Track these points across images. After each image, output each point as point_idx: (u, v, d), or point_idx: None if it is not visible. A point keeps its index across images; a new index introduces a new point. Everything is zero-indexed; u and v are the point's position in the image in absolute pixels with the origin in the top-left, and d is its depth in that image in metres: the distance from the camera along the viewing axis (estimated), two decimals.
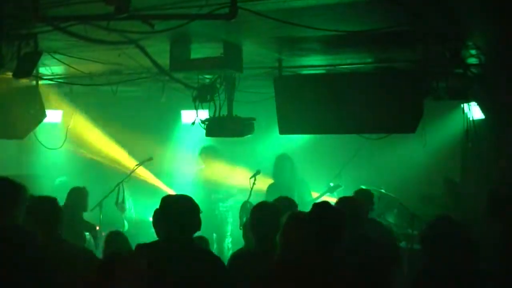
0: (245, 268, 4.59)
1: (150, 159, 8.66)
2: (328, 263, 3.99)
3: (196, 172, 9.38)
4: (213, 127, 6.54)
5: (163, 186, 9.94)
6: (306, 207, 6.95)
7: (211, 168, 9.24)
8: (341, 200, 5.65)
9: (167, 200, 4.37)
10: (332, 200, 8.23)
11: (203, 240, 5.61)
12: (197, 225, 4.33)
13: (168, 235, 4.30)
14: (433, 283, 4.05)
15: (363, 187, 7.91)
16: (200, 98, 6.42)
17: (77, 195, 7.14)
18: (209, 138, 7.13)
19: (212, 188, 9.09)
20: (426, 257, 4.20)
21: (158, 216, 4.37)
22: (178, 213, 4.28)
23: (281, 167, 8.47)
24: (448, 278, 3.96)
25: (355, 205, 5.49)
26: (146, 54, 5.76)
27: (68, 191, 7.28)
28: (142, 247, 4.41)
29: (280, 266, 4.09)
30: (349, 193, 7.72)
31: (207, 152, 9.26)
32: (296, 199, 8.18)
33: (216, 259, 4.41)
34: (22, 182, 4.64)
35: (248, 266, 4.55)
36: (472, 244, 4.08)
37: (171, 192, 9.22)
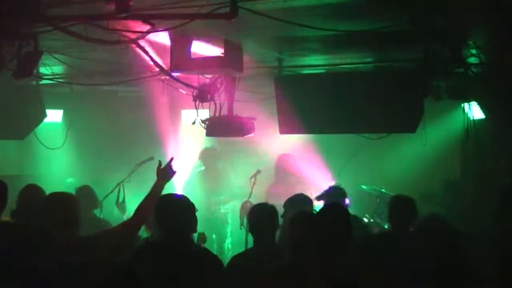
0: (244, 267, 4.59)
1: (151, 158, 8.63)
2: (329, 265, 3.97)
3: (196, 173, 9.37)
4: (213, 127, 6.54)
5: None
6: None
7: (211, 170, 9.24)
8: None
9: (161, 200, 4.40)
10: None
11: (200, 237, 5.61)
12: (192, 224, 4.34)
13: (164, 234, 4.33)
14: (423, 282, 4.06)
15: (364, 187, 7.92)
16: (200, 98, 6.41)
17: (83, 196, 7.03)
18: (209, 138, 7.12)
19: (212, 190, 9.08)
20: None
21: (156, 216, 4.40)
22: (171, 212, 4.31)
23: (282, 166, 8.47)
24: (435, 276, 3.97)
25: None
26: (147, 53, 5.76)
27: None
28: (139, 248, 4.46)
29: (282, 266, 4.08)
30: (348, 191, 7.71)
31: (208, 154, 9.25)
32: None
33: (214, 258, 4.42)
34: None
35: (248, 266, 4.55)
36: (459, 243, 4.08)
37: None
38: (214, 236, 8.93)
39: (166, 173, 4.74)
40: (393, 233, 5.29)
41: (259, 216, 4.79)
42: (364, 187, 7.94)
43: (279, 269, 4.07)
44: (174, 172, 4.77)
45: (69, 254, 4.17)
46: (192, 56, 6.08)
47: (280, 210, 5.39)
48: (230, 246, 9.06)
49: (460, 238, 4.11)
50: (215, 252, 8.28)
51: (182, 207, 4.36)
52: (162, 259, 4.23)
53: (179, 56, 6.05)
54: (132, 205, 8.53)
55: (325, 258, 3.92)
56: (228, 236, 9.12)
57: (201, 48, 6.05)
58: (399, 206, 5.22)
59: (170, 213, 4.31)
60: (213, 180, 9.13)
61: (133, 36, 5.19)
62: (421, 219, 4.47)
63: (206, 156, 9.25)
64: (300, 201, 5.61)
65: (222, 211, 9.08)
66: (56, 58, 6.47)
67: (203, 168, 9.34)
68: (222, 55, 5.94)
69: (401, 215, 5.16)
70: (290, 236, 4.25)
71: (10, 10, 4.68)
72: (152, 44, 5.67)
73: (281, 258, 4.30)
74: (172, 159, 4.83)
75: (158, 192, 4.66)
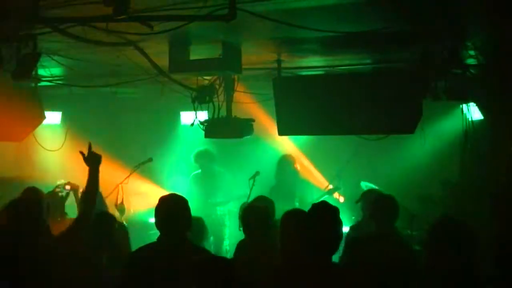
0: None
1: (150, 160, 8.65)
2: (324, 264, 3.95)
3: (192, 176, 9.36)
4: (212, 128, 6.55)
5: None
6: (307, 208, 6.95)
7: (207, 172, 9.23)
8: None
9: (159, 200, 4.42)
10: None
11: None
12: (186, 222, 4.35)
13: (160, 233, 4.33)
14: (435, 283, 4.05)
15: (368, 184, 7.88)
16: (199, 99, 6.42)
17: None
18: (208, 139, 7.13)
19: (209, 192, 9.07)
20: (431, 257, 4.19)
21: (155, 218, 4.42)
22: (164, 211, 4.32)
23: (283, 167, 8.47)
24: (450, 278, 3.96)
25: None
26: (145, 55, 5.76)
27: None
28: (138, 249, 4.47)
29: (279, 267, 4.08)
30: (348, 194, 7.71)
31: (202, 156, 9.24)
32: (297, 199, 8.24)
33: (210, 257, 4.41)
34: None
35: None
36: (475, 245, 4.08)
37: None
38: (211, 238, 8.91)
39: (92, 159, 4.90)
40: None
41: (249, 218, 4.80)
42: (363, 185, 7.92)
43: (276, 269, 4.07)
44: (99, 156, 4.93)
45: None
46: (191, 58, 6.08)
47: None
48: (228, 248, 9.05)
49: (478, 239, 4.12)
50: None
51: (173, 205, 4.36)
52: (162, 260, 4.23)
53: (178, 57, 6.06)
54: (130, 206, 8.61)
55: (318, 257, 3.91)
56: (225, 238, 9.11)
57: (199, 50, 6.05)
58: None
59: (163, 212, 4.32)
60: (209, 182, 9.12)
61: (131, 38, 5.19)
62: (436, 220, 4.43)
63: (201, 158, 9.24)
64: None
65: (218, 213, 9.07)
66: (54, 60, 6.47)
67: (199, 170, 9.33)
68: (220, 56, 5.94)
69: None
70: (283, 234, 4.28)
71: (9, 11, 4.68)
72: (150, 45, 5.66)
73: (275, 257, 4.33)
74: (90, 144, 4.96)
75: (94, 180, 4.89)
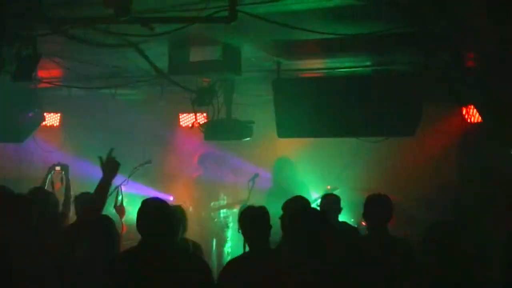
0: (237, 271, 4.58)
1: (149, 161, 8.64)
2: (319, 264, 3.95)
3: (196, 178, 9.36)
4: (211, 130, 6.55)
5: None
6: None
7: (210, 174, 9.23)
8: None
9: (142, 203, 4.37)
10: None
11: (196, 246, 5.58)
12: (167, 228, 4.30)
13: (141, 237, 4.30)
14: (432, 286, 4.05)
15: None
16: (199, 101, 6.42)
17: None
18: (207, 141, 7.12)
19: (212, 194, 9.07)
20: (426, 259, 4.20)
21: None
22: (146, 215, 4.28)
23: (281, 169, 8.47)
24: (445, 280, 3.97)
25: None
26: (145, 57, 5.76)
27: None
28: (121, 252, 4.43)
29: (279, 267, 4.08)
30: (346, 195, 7.69)
31: (208, 159, 9.25)
32: None
33: (195, 263, 4.38)
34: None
35: (242, 269, 4.55)
36: (472, 248, 4.09)
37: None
38: (214, 240, 8.92)
39: (110, 165, 4.62)
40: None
41: (249, 219, 4.79)
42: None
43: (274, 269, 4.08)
44: (117, 164, 4.64)
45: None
46: (191, 60, 6.08)
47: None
48: (230, 250, 9.04)
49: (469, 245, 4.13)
50: (214, 256, 8.29)
51: (154, 210, 4.31)
52: (139, 265, 4.19)
53: (178, 59, 6.06)
54: (130, 208, 8.61)
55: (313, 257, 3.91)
56: (228, 240, 9.10)
57: (199, 52, 6.06)
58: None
59: (146, 218, 4.28)
60: (213, 185, 9.12)
61: (132, 39, 5.19)
62: (432, 224, 4.45)
63: (206, 160, 9.25)
64: (299, 203, 5.62)
65: (222, 215, 9.06)
66: (54, 62, 6.46)
67: (202, 172, 9.33)
68: (220, 58, 5.94)
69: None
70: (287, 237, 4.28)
71: (10, 12, 4.68)
72: (151, 47, 5.67)
73: (277, 259, 4.33)
74: (111, 150, 4.68)
75: (104, 188, 4.57)
